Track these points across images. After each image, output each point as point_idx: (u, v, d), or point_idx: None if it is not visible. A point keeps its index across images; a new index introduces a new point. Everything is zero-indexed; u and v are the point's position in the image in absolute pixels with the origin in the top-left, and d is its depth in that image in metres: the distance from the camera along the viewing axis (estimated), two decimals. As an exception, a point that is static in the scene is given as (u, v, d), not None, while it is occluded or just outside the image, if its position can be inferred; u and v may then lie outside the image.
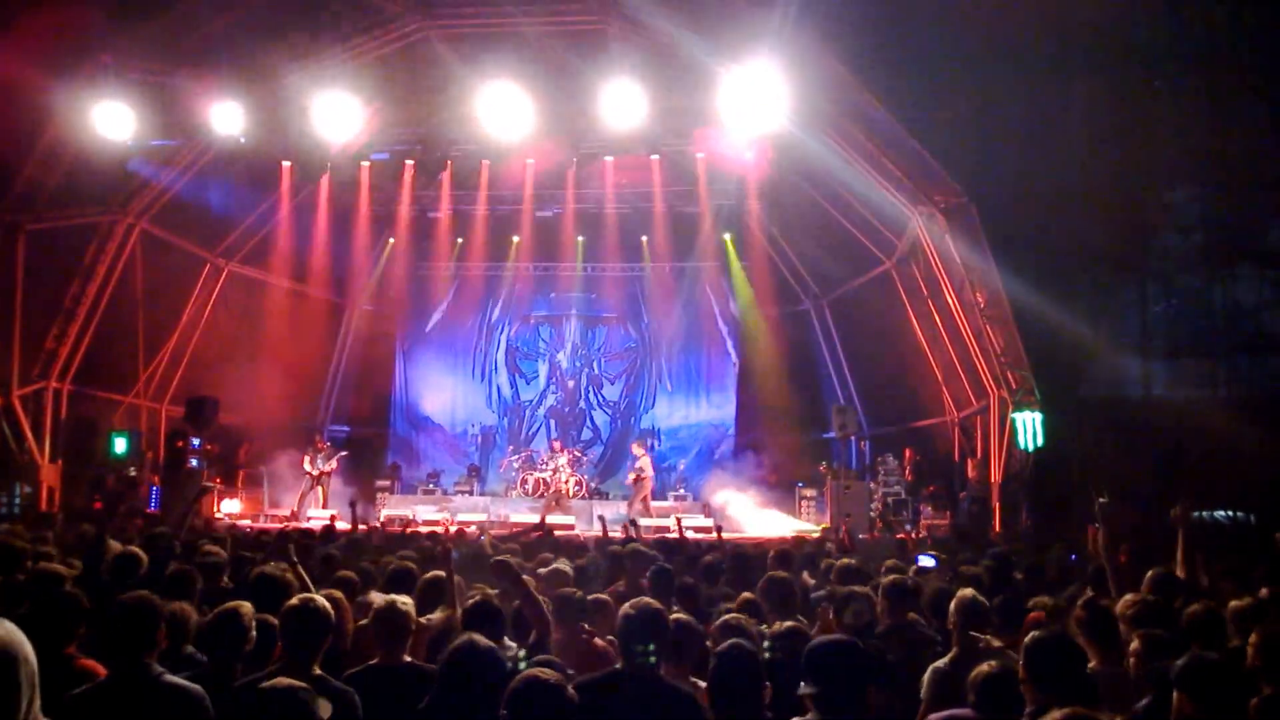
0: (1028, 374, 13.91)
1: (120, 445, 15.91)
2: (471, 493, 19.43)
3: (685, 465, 20.69)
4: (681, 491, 19.58)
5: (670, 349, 21.74)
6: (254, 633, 3.89)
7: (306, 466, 17.24)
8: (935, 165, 13.40)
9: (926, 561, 7.75)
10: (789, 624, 4.34)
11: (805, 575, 6.81)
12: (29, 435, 14.83)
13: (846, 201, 16.12)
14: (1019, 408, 13.98)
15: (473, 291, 22.02)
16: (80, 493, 14.80)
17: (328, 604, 3.89)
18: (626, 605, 3.76)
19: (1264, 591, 5.23)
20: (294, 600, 3.87)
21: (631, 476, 17.79)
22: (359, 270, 21.38)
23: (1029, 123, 12.27)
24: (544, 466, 19.56)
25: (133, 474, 9.51)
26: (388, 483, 19.51)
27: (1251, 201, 13.91)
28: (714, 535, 9.97)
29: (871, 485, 17.35)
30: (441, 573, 5.27)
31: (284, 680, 3.02)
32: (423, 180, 19.01)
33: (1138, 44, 12.38)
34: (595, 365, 22.15)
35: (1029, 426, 13.83)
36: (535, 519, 14.78)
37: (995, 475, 14.82)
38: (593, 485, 19.86)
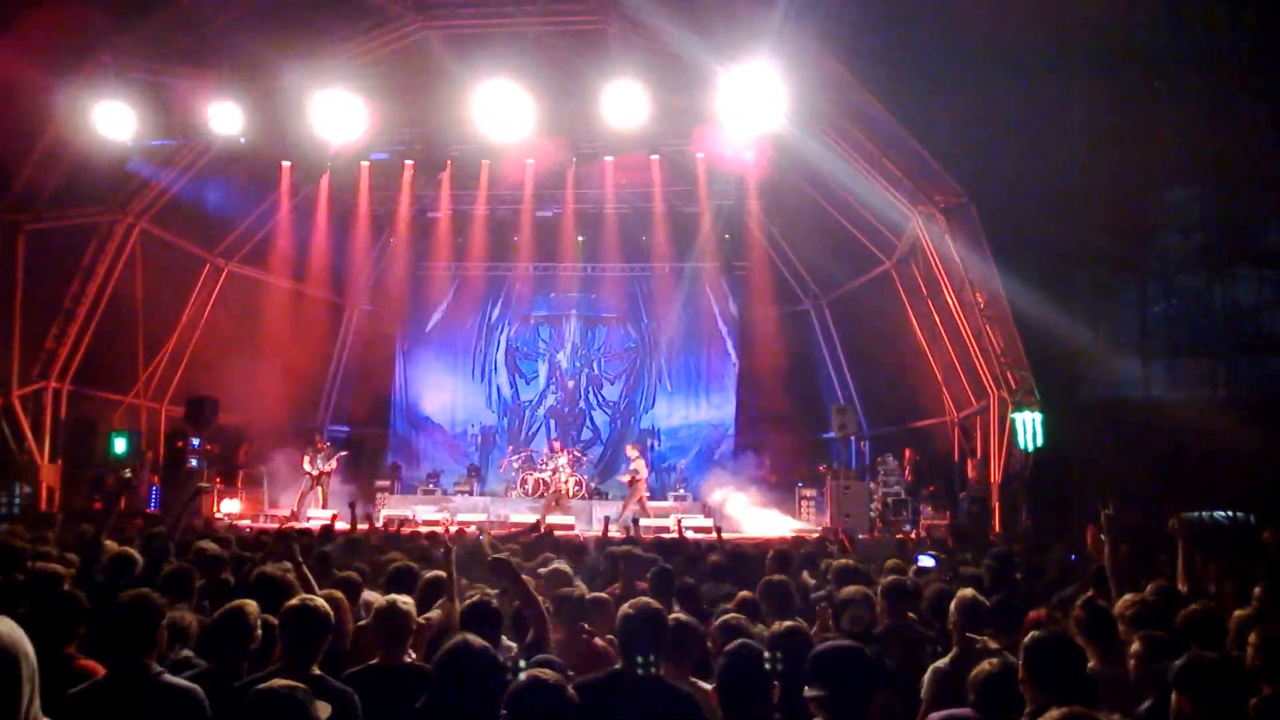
0: (1027, 374, 13.91)
1: (120, 445, 15.90)
2: (471, 493, 19.42)
3: (685, 465, 20.68)
4: (681, 491, 19.57)
5: (670, 349, 21.72)
6: (259, 631, 3.88)
7: (306, 466, 17.23)
8: (935, 165, 13.40)
9: (926, 561, 7.75)
10: (788, 624, 4.34)
11: (805, 575, 6.81)
12: (29, 435, 14.83)
13: (846, 201, 16.12)
14: (1019, 408, 13.98)
15: (473, 291, 22.01)
16: (80, 493, 14.80)
17: (327, 604, 3.89)
18: (626, 605, 3.76)
19: (1258, 590, 5.23)
20: (294, 600, 3.87)
21: (626, 478, 17.77)
22: (359, 270, 21.39)
23: (1029, 123, 12.27)
24: (544, 467, 19.56)
25: (128, 475, 9.51)
26: (387, 483, 19.51)
27: (1251, 201, 13.92)
28: (713, 535, 9.97)
29: (871, 485, 17.34)
30: (441, 572, 5.27)
31: (281, 681, 3.02)
32: (422, 180, 19.04)
33: (1138, 44, 12.39)
34: (595, 365, 22.15)
35: (1029, 427, 13.82)
36: (535, 519, 14.81)
37: (995, 475, 14.82)
38: (592, 485, 19.85)
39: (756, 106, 12.82)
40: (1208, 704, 3.15)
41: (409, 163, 18.02)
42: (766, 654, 3.35)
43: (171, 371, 17.63)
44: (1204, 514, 11.65)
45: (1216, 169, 13.40)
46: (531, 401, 22.05)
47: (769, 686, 3.26)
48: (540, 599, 4.58)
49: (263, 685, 3.01)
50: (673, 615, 4.14)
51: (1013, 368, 14.12)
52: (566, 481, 18.93)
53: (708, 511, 17.63)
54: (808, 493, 18.51)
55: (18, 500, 14.53)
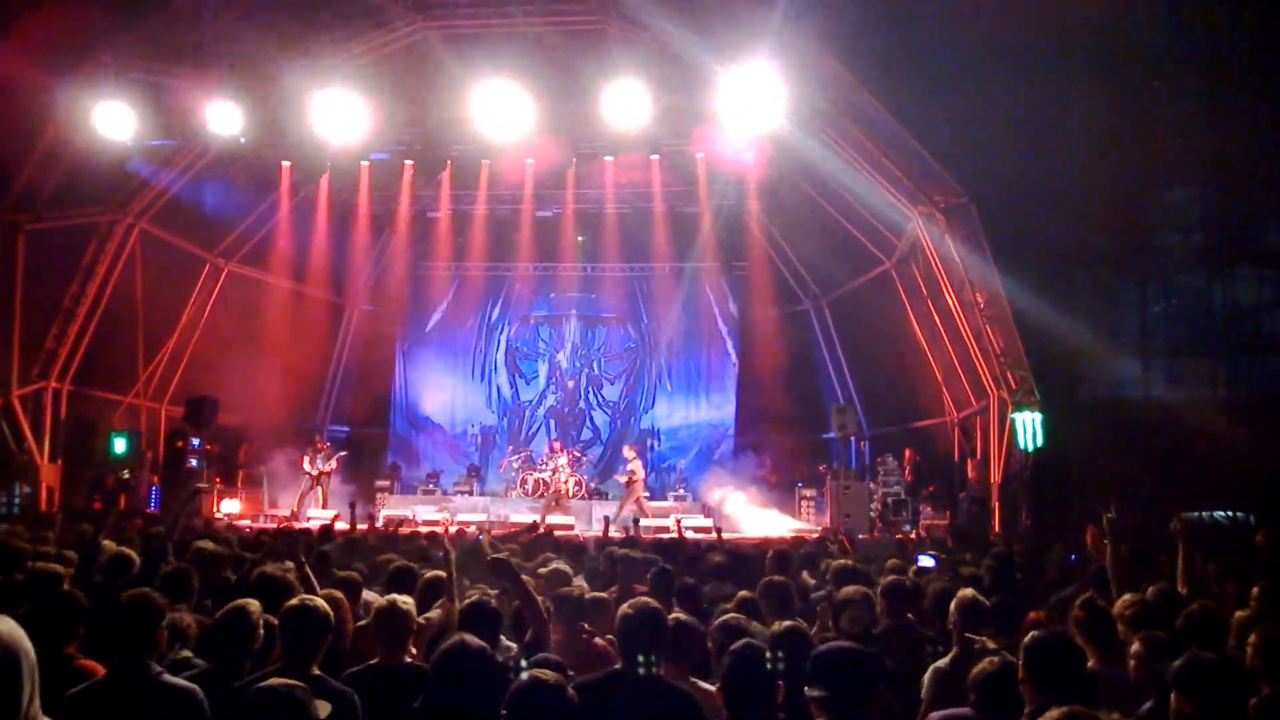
0: (1027, 374, 13.91)
1: (120, 445, 15.90)
2: (471, 493, 19.42)
3: (685, 465, 20.69)
4: (681, 491, 19.57)
5: (670, 349, 21.72)
6: (262, 630, 3.88)
7: (306, 466, 17.23)
8: (935, 165, 13.40)
9: (926, 562, 7.75)
10: (788, 624, 4.34)
11: (805, 575, 6.81)
12: (29, 435, 14.83)
13: (846, 201, 16.12)
14: (1019, 408, 13.98)
15: (473, 291, 22.01)
16: (80, 493, 14.80)
17: (327, 605, 3.89)
18: (625, 605, 3.75)
19: (1256, 591, 5.23)
20: (293, 600, 3.87)
21: (623, 479, 17.76)
22: (359, 270, 21.39)
23: (1029, 122, 12.27)
24: (543, 467, 19.55)
25: (126, 476, 9.52)
26: (387, 483, 19.51)
27: (1251, 201, 13.92)
28: (713, 535, 9.97)
29: (871, 485, 17.35)
30: (441, 572, 5.27)
31: (279, 680, 3.02)
32: (422, 180, 19.03)
33: (1138, 44, 12.39)
34: (595, 365, 22.14)
35: (1029, 427, 13.82)
36: (535, 519, 14.81)
37: (995, 476, 14.82)
38: (592, 485, 19.85)
39: (756, 106, 12.83)
40: (1207, 704, 3.14)
41: (409, 163, 18.02)
42: (768, 653, 3.35)
43: (171, 371, 17.63)
44: (1204, 514, 11.65)
45: (1216, 169, 13.40)
46: (531, 401, 22.05)
47: (773, 686, 3.26)
48: (540, 599, 4.58)
49: (262, 684, 3.01)
50: (673, 615, 4.14)
51: (1013, 368, 14.13)
52: (566, 481, 18.93)
53: (707, 511, 17.63)
54: (808, 493, 18.51)
55: (17, 500, 14.53)
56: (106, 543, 5.80)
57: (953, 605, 4.48)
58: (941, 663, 4.26)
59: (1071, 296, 14.09)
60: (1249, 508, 11.93)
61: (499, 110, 13.48)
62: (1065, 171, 12.49)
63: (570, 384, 22.04)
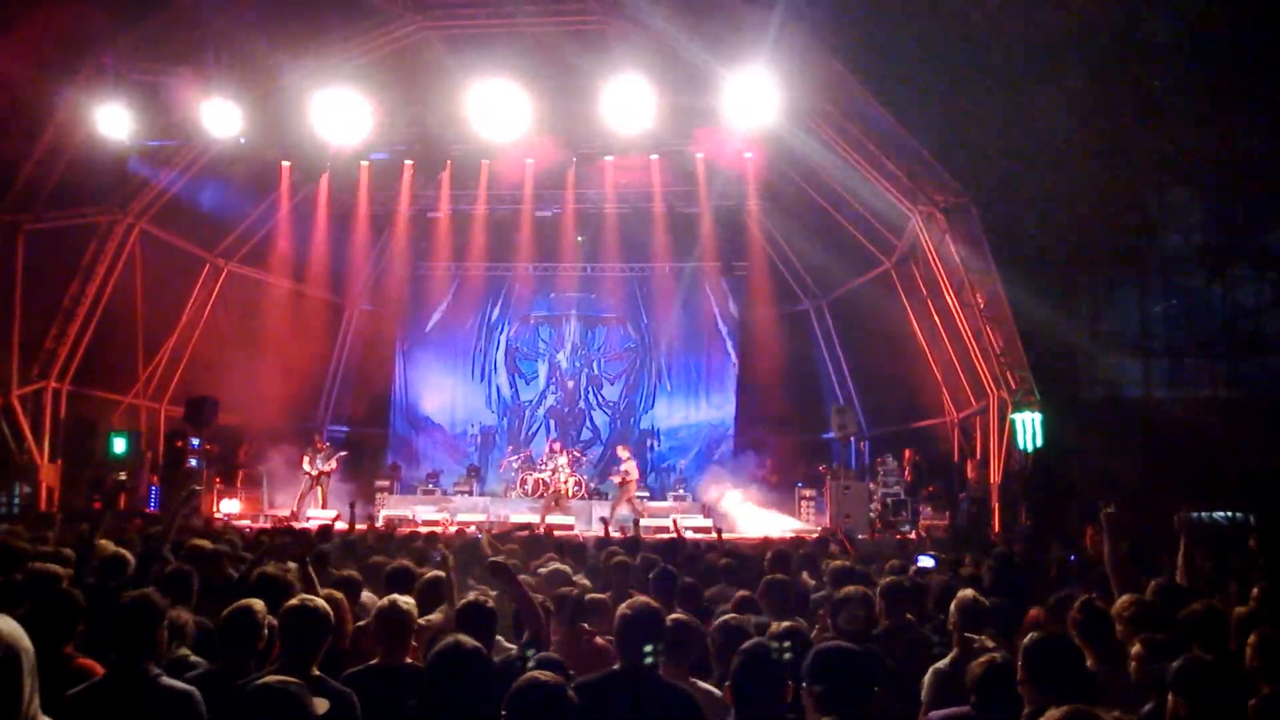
0: (1027, 374, 13.91)
1: (119, 445, 15.90)
2: (471, 493, 19.42)
3: (685, 465, 20.69)
4: (681, 492, 19.57)
5: (670, 349, 21.72)
6: (266, 630, 3.87)
7: (306, 466, 17.23)
8: (935, 165, 13.40)
9: (926, 562, 7.76)
10: (787, 624, 4.34)
11: (805, 576, 6.81)
12: (28, 435, 14.83)
13: (846, 202, 16.13)
14: (1018, 408, 13.97)
15: (472, 291, 22.01)
16: (80, 493, 14.80)
17: (327, 605, 3.89)
18: (623, 606, 3.75)
19: (1256, 591, 5.23)
20: (293, 600, 3.86)
21: (617, 479, 17.74)
22: (359, 270, 21.39)
23: (1029, 122, 12.27)
24: (543, 467, 19.55)
25: (122, 478, 9.53)
26: (387, 483, 19.50)
27: (1251, 201, 13.92)
28: (713, 535, 9.97)
29: (871, 486, 17.34)
30: (439, 573, 5.27)
31: (276, 677, 3.02)
32: (422, 180, 19.03)
33: (1138, 44, 12.39)
34: (595, 365, 22.14)
35: (1028, 427, 13.82)
36: (535, 519, 14.80)
37: (995, 476, 14.82)
38: (592, 486, 19.85)
39: (756, 106, 12.83)
40: (1204, 705, 3.14)
41: (409, 163, 18.01)
42: (775, 646, 3.35)
43: (171, 371, 17.63)
44: (1203, 514, 11.65)
45: (1216, 169, 13.40)
46: (531, 401, 22.05)
47: (783, 686, 3.26)
48: (540, 598, 4.58)
49: (259, 681, 3.01)
50: (673, 615, 4.14)
51: (1012, 368, 14.12)
52: (566, 482, 18.93)
53: (707, 512, 17.63)
54: (807, 493, 18.50)
55: (17, 500, 14.53)
56: (102, 542, 5.79)
57: (953, 605, 4.48)
58: (942, 663, 4.26)
59: (1071, 296, 14.10)
60: (1248, 508, 11.93)
61: (499, 110, 13.48)
62: (1065, 171, 12.49)
63: (570, 384, 22.04)
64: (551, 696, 2.90)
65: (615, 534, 11.01)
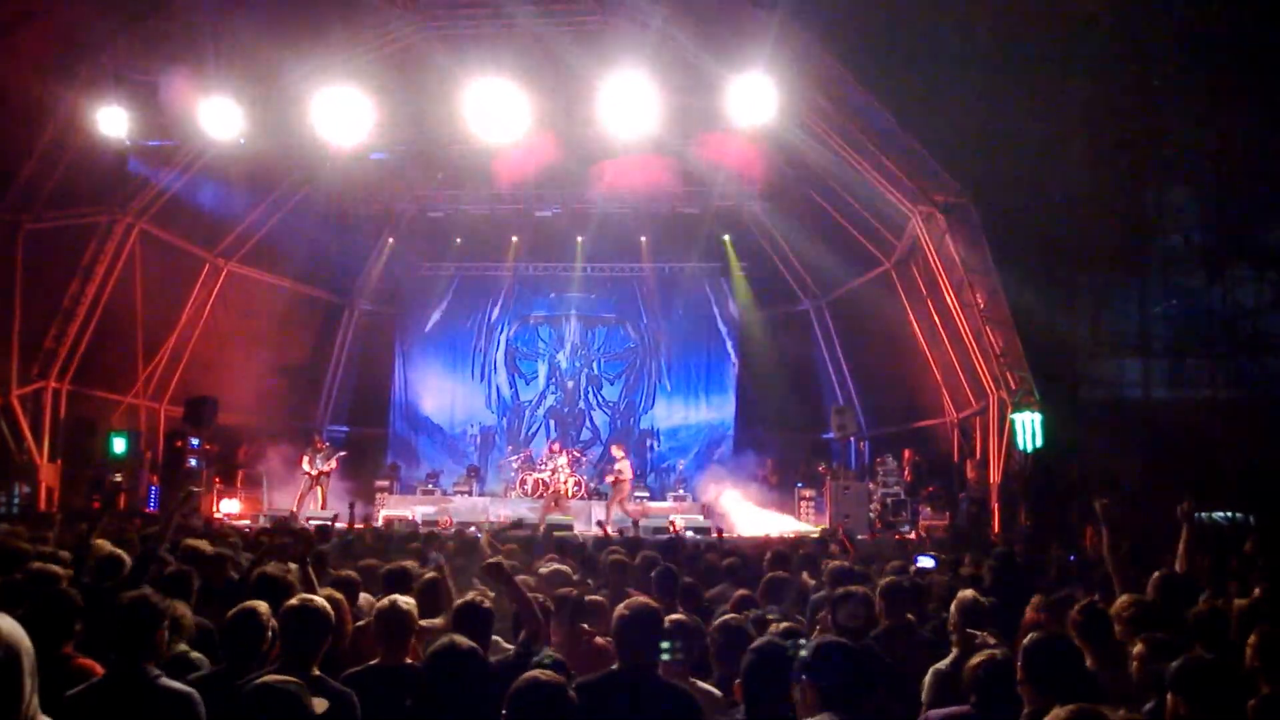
0: (1027, 375, 13.90)
1: (119, 445, 15.90)
2: (470, 493, 19.42)
3: (684, 465, 20.69)
4: (681, 492, 19.58)
5: (670, 349, 21.73)
6: (270, 632, 3.87)
7: (305, 466, 17.23)
8: (935, 164, 13.40)
9: (926, 562, 7.77)
10: (786, 624, 4.34)
11: (805, 576, 6.81)
12: (28, 435, 14.83)
13: (846, 202, 16.13)
14: (1018, 408, 13.97)
15: (472, 291, 22.02)
16: (79, 493, 14.80)
17: (328, 604, 3.89)
18: (621, 606, 3.75)
19: (1258, 591, 5.23)
20: (293, 600, 3.86)
21: (610, 478, 17.73)
22: (359, 270, 21.40)
23: (1028, 122, 12.26)
24: (543, 467, 19.56)
25: (119, 479, 9.53)
26: (387, 483, 19.51)
27: (1251, 201, 13.91)
28: (713, 535, 9.97)
29: (871, 486, 17.35)
30: (436, 574, 5.27)
31: (275, 677, 3.02)
32: (422, 180, 19.02)
33: (1138, 44, 12.39)
34: (595, 365, 22.14)
35: (1028, 427, 13.82)
36: (534, 520, 14.81)
37: (994, 476, 14.82)
38: (592, 486, 19.85)
39: (756, 106, 12.82)
40: (1204, 705, 3.14)
41: (409, 163, 18.00)
42: (787, 644, 3.35)
43: (171, 371, 17.62)
44: (1203, 514, 11.63)
45: (1216, 169, 13.40)
46: (531, 402, 22.05)
47: (791, 685, 3.26)
48: (540, 598, 4.58)
49: (259, 681, 3.01)
50: (672, 616, 4.14)
51: (1012, 368, 14.12)
52: (566, 482, 18.93)
53: (707, 512, 17.64)
54: (807, 493, 18.51)
55: (17, 500, 14.53)
56: (99, 542, 5.79)
57: (953, 605, 4.48)
58: (942, 664, 4.25)
59: (1071, 296, 14.09)
60: (1249, 508, 11.93)
61: (498, 110, 13.47)
62: (1065, 171, 12.50)
63: (570, 384, 22.04)
64: (552, 696, 2.90)
65: (614, 534, 11.01)
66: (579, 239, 20.86)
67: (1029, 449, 13.80)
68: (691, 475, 20.29)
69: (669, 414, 21.62)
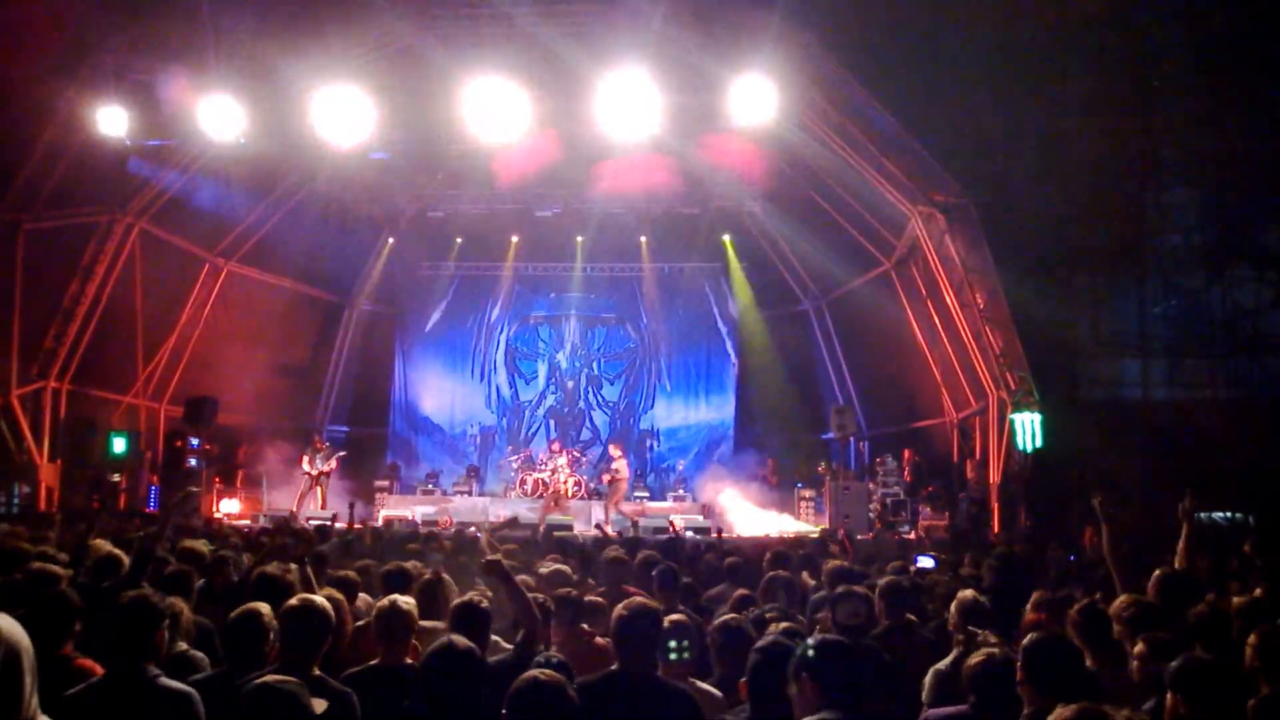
0: (1026, 375, 13.90)
1: (119, 445, 15.89)
2: (470, 493, 19.42)
3: (684, 465, 20.69)
4: (681, 492, 19.58)
5: (669, 349, 21.73)
6: (273, 634, 3.86)
7: (305, 466, 17.22)
8: (935, 164, 13.40)
9: (926, 562, 7.77)
10: (786, 624, 4.34)
11: (805, 576, 6.81)
12: (28, 435, 14.82)
13: (846, 202, 16.13)
14: (1018, 408, 13.97)
15: (472, 291, 22.02)
16: (79, 493, 14.79)
17: (328, 604, 3.89)
18: (620, 607, 3.75)
19: (1259, 591, 5.23)
20: (293, 600, 3.86)
21: (606, 477, 17.71)
22: (359, 270, 21.39)
23: (1028, 122, 12.28)
24: (543, 467, 19.56)
25: (115, 479, 9.52)
26: (386, 483, 19.51)
27: (1251, 201, 13.91)
28: (713, 535, 9.97)
29: (870, 486, 17.35)
30: (435, 576, 5.26)
31: (275, 677, 3.02)
32: (422, 180, 19.02)
33: (1138, 44, 12.39)
34: (594, 366, 22.15)
35: (1028, 427, 13.82)
36: (533, 520, 14.79)
37: (994, 476, 14.81)
38: (591, 486, 19.85)
39: (756, 106, 12.82)
40: (1203, 705, 3.14)
41: (409, 163, 17.99)
42: (794, 644, 3.35)
43: (171, 371, 17.62)
44: (1202, 515, 11.64)
45: (1216, 169, 13.40)
46: (531, 402, 22.05)
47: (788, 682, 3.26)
48: (541, 598, 4.58)
49: (258, 681, 3.01)
50: (672, 616, 4.13)
51: (1012, 368, 14.12)
52: (565, 482, 18.93)
53: (707, 512, 17.64)
54: (807, 493, 18.51)
55: (17, 500, 14.53)
56: (97, 542, 5.79)
57: (953, 605, 4.48)
58: (942, 664, 4.25)
59: (1071, 296, 14.09)
60: (1248, 508, 11.93)
61: (499, 110, 13.46)
62: (1065, 171, 12.49)
63: (570, 384, 22.04)
64: (553, 696, 2.90)
65: (612, 534, 11.01)
66: (579, 239, 20.86)
67: (1028, 449, 13.80)
68: (691, 475, 20.30)
69: (669, 414, 21.63)
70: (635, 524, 15.72)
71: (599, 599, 5.22)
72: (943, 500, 15.96)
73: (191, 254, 17.64)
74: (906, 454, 17.56)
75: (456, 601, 4.30)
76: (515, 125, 13.75)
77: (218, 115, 13.67)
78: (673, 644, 3.73)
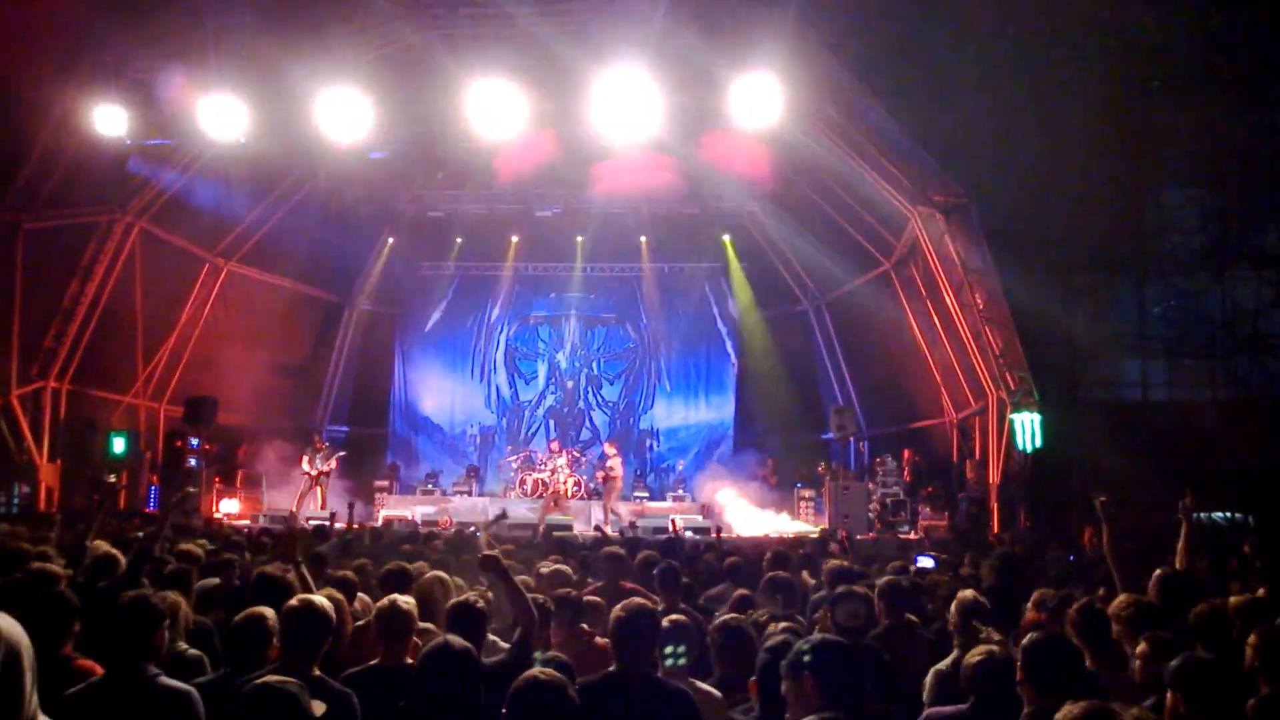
0: (1026, 375, 13.90)
1: (119, 445, 15.89)
2: (470, 493, 19.42)
3: (684, 465, 20.69)
4: (680, 492, 19.58)
5: (669, 349, 21.73)
6: (276, 639, 3.85)
7: (305, 466, 17.22)
8: (935, 164, 13.40)
9: (925, 562, 7.77)
10: (784, 625, 4.34)
11: (805, 575, 6.81)
12: (28, 435, 14.82)
13: (846, 202, 16.13)
14: (1017, 409, 13.97)
15: (472, 291, 22.02)
16: (79, 493, 14.78)
17: (329, 605, 3.88)
18: (618, 607, 3.74)
19: (1261, 592, 5.24)
20: (294, 601, 3.86)
21: (600, 474, 17.69)
22: (359, 270, 21.39)
23: (1028, 122, 12.27)
24: (542, 467, 19.56)
25: (112, 479, 9.51)
26: (386, 483, 19.50)
27: (1251, 201, 13.92)
28: (712, 535, 9.97)
29: (870, 486, 17.35)
30: (433, 576, 5.26)
31: (275, 677, 3.02)
32: (422, 180, 19.01)
33: (1138, 44, 12.39)
34: (594, 365, 22.15)
35: (1027, 427, 13.82)
36: (533, 520, 14.79)
37: (994, 476, 14.81)
38: (591, 486, 19.84)
39: (757, 107, 12.81)
40: (1203, 704, 3.14)
41: (409, 162, 17.99)
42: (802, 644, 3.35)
43: (170, 371, 17.62)
44: (1202, 515, 11.65)
45: (1216, 169, 13.41)
46: (531, 402, 22.05)
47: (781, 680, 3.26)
48: (540, 598, 4.58)
49: (258, 681, 3.01)
50: (671, 616, 4.13)
51: (1011, 368, 14.12)
52: (565, 482, 18.93)
53: (706, 512, 17.63)
54: (806, 493, 18.51)
55: (16, 500, 14.52)
56: (95, 542, 5.79)
57: (953, 605, 4.48)
58: (943, 664, 4.25)
59: (1071, 296, 14.09)
60: (1248, 508, 11.93)
61: (499, 109, 13.46)
62: (1065, 171, 12.49)
63: (570, 384, 22.04)
64: (553, 696, 2.90)
65: (612, 534, 11.01)
66: (579, 239, 20.86)
67: (1028, 449, 13.80)
68: (691, 475, 20.30)
69: (669, 414, 21.63)
70: (633, 524, 15.71)
71: (598, 599, 5.22)
72: (942, 500, 15.96)
73: (191, 254, 17.63)
74: (906, 454, 17.56)
75: (452, 602, 4.30)
76: (515, 125, 13.75)
77: (218, 115, 13.66)
78: (669, 649, 3.71)
